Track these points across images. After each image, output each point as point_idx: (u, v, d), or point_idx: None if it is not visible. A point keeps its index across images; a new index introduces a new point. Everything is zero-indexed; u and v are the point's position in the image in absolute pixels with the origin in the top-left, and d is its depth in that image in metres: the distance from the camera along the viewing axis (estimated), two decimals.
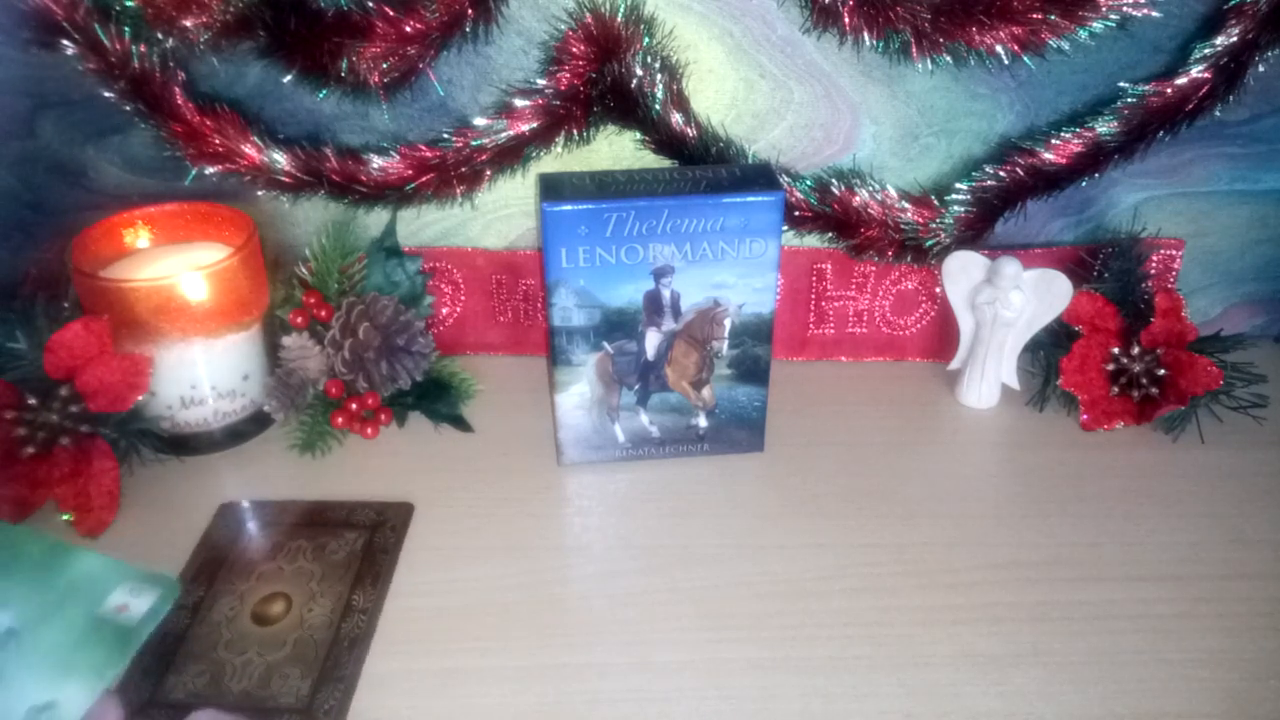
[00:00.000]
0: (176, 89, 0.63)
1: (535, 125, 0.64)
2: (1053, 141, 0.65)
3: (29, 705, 0.37)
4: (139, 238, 0.66)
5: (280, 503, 0.59)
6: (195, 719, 0.39)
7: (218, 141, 0.64)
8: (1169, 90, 0.63)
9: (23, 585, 0.41)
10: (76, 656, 0.39)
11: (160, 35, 0.61)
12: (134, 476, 0.61)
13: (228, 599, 0.52)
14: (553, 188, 0.56)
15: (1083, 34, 0.61)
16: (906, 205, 0.67)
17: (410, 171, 0.66)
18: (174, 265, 0.62)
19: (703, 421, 0.63)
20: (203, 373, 0.62)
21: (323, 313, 0.65)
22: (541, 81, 0.64)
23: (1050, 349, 0.69)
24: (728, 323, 0.60)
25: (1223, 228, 0.71)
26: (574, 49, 0.62)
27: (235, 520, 0.58)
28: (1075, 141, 0.64)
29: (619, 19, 0.61)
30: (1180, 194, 0.70)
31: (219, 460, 0.64)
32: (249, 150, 0.65)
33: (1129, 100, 0.63)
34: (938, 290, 0.71)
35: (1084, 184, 0.67)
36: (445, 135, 0.65)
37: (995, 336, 0.67)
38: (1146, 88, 0.63)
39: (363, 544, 0.56)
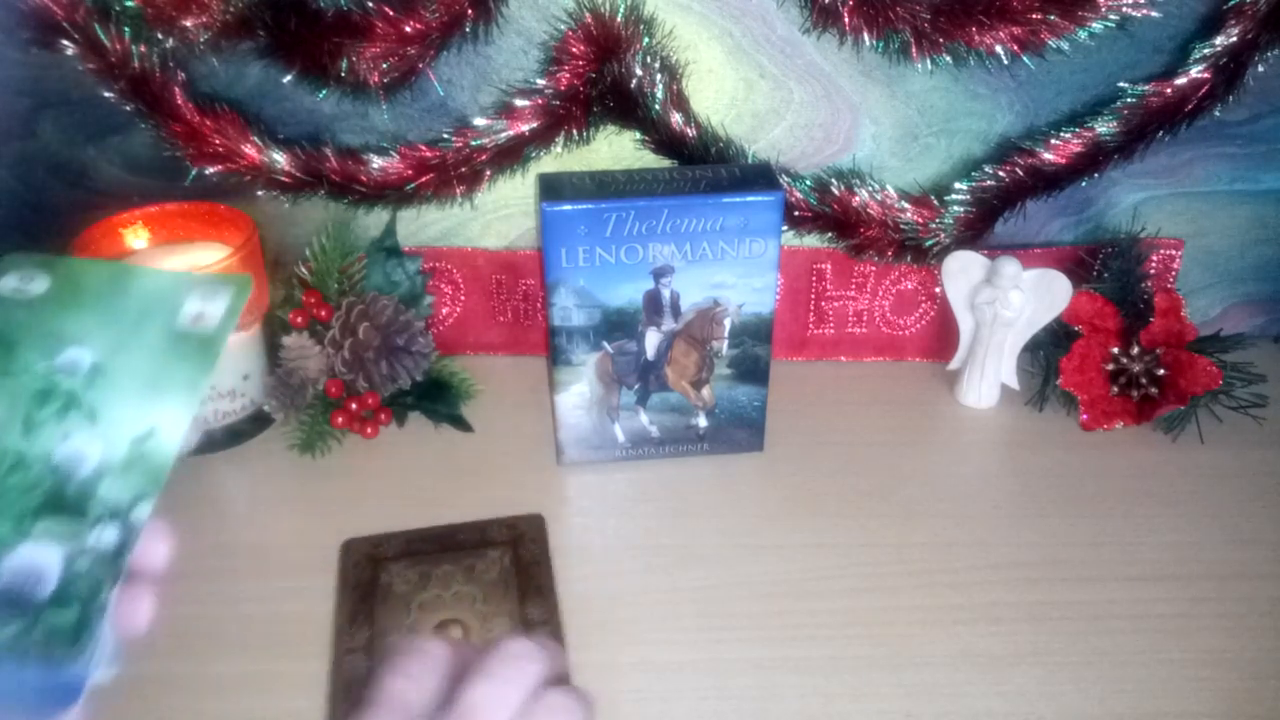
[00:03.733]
0: (176, 89, 0.63)
1: (535, 125, 0.64)
2: (1052, 141, 0.65)
3: (130, 438, 0.35)
4: (139, 238, 0.66)
5: (403, 533, 0.57)
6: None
7: (218, 141, 0.64)
8: (1169, 90, 0.63)
9: (95, 315, 0.37)
10: (163, 377, 0.36)
11: (160, 35, 0.61)
12: None
13: (397, 634, 0.51)
14: (553, 188, 0.56)
15: (1082, 34, 0.61)
16: (906, 205, 0.67)
17: (410, 171, 0.66)
18: (174, 265, 0.62)
19: (703, 421, 0.63)
20: None
21: (323, 313, 0.65)
22: (541, 81, 0.64)
23: (1050, 349, 0.68)
24: (728, 323, 0.60)
25: (1223, 228, 0.71)
26: (574, 49, 0.62)
27: (365, 556, 0.56)
28: (1075, 141, 0.64)
29: (619, 19, 0.61)
30: (1180, 194, 0.70)
31: (219, 460, 0.64)
32: (249, 150, 0.65)
33: (1129, 100, 0.63)
34: (937, 290, 0.71)
35: (1084, 184, 0.67)
36: (445, 135, 0.65)
37: (995, 336, 0.67)
38: (1146, 88, 0.63)
39: (510, 559, 0.55)
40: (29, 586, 0.32)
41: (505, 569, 0.55)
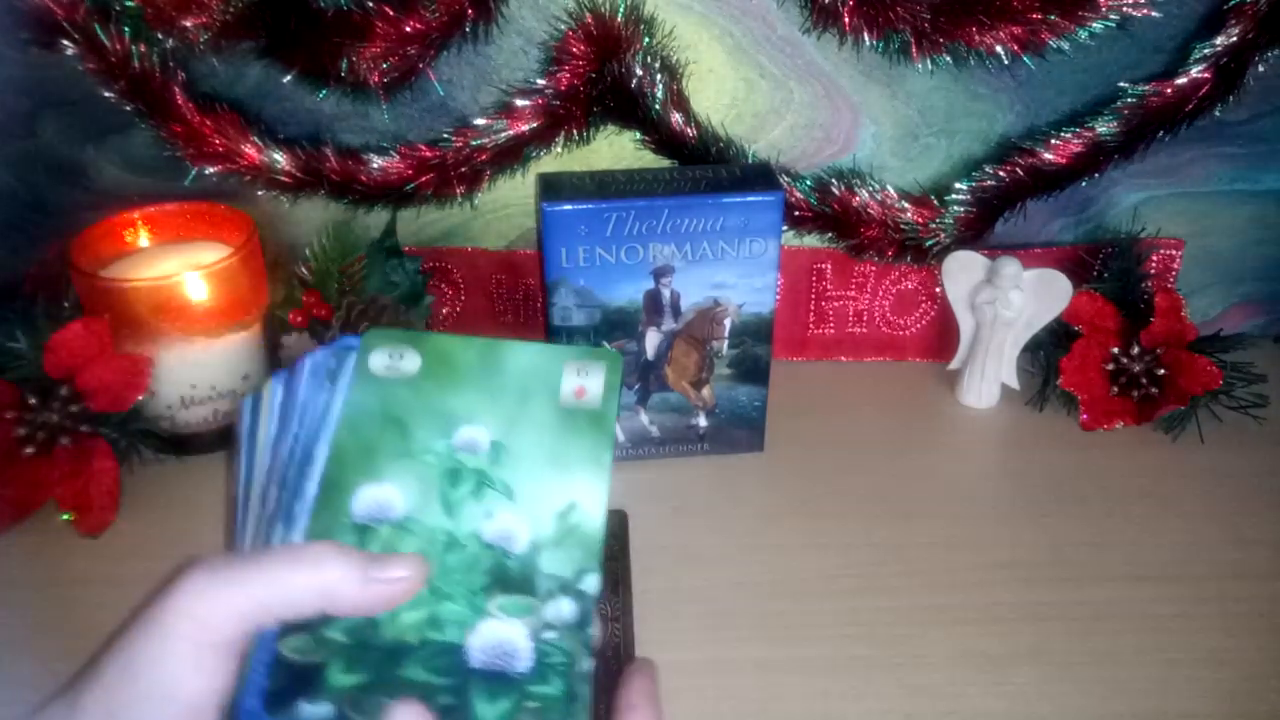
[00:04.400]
0: (176, 89, 0.63)
1: (535, 125, 0.64)
2: (1053, 141, 0.65)
3: (553, 513, 0.35)
4: (139, 238, 0.66)
5: None
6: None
7: (218, 141, 0.64)
8: (1169, 90, 0.63)
9: (477, 393, 0.37)
10: (564, 453, 0.36)
11: (160, 35, 0.61)
12: (134, 476, 0.61)
13: None
14: (553, 188, 0.56)
15: (1083, 34, 0.61)
16: (906, 205, 0.67)
17: (410, 171, 0.66)
18: (174, 265, 0.62)
19: (703, 421, 0.63)
20: (203, 373, 0.62)
21: (323, 313, 0.65)
22: (541, 81, 0.64)
23: (1050, 349, 0.68)
24: (728, 323, 0.60)
25: (1223, 228, 0.71)
26: (574, 49, 0.62)
27: None
28: (1075, 141, 0.64)
29: (619, 19, 0.61)
30: (1180, 194, 0.70)
31: (219, 460, 0.64)
32: (249, 150, 0.65)
33: (1129, 100, 0.63)
34: (938, 290, 0.71)
35: (1084, 184, 0.67)
36: (445, 135, 0.65)
37: (995, 336, 0.67)
38: (1146, 88, 0.63)
39: None
40: (505, 662, 0.32)
41: None
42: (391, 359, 0.37)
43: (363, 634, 0.32)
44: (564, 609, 0.33)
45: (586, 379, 0.38)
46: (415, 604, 0.33)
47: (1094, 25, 0.60)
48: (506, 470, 0.36)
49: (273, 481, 0.37)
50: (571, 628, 0.33)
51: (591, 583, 0.34)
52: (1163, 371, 0.65)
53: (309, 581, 0.30)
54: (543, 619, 0.33)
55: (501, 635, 0.32)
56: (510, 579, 0.34)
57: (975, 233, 0.67)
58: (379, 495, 0.35)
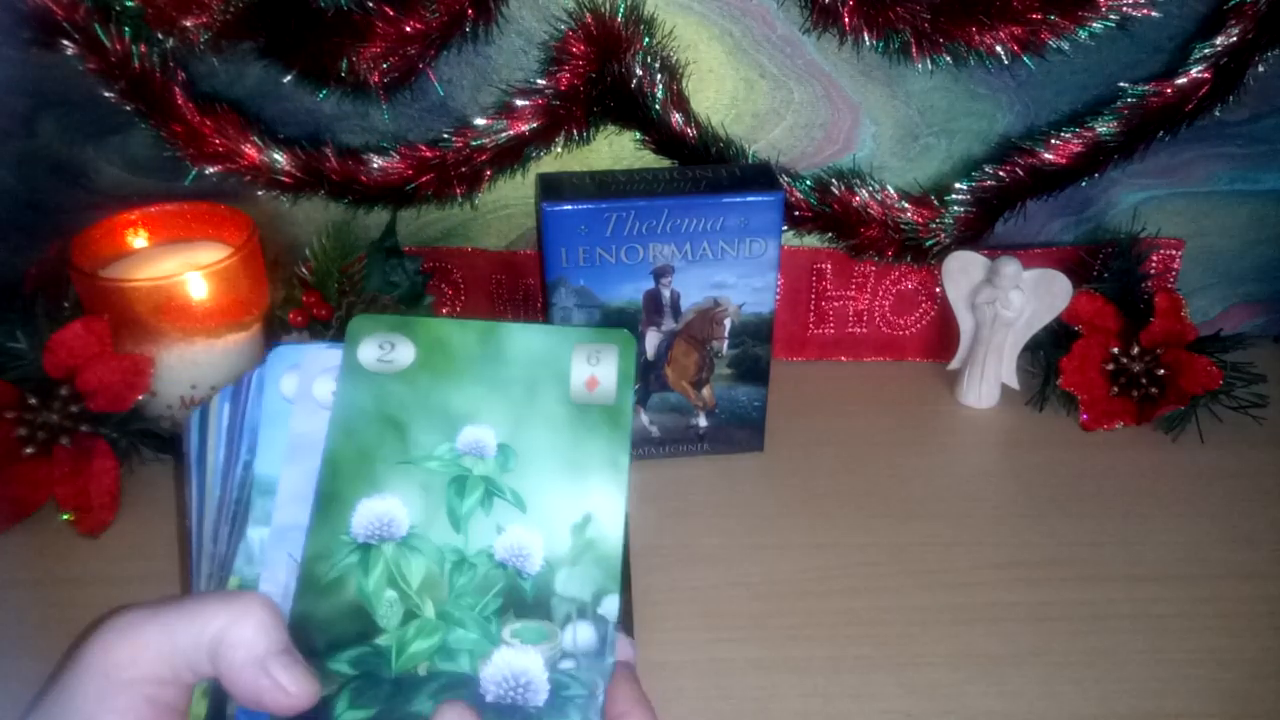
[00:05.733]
0: (176, 89, 0.63)
1: (535, 125, 0.64)
2: (1053, 141, 0.65)
3: (568, 525, 0.32)
4: (139, 238, 0.66)
5: None
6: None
7: (218, 141, 0.64)
8: (1169, 90, 0.63)
9: (478, 387, 0.33)
10: (578, 456, 0.33)
11: (160, 35, 0.61)
12: (134, 476, 0.61)
13: None
14: (553, 188, 0.56)
15: (1083, 34, 0.61)
16: (906, 205, 0.67)
17: (410, 172, 0.66)
18: (174, 265, 0.62)
19: (703, 421, 0.63)
20: (203, 373, 0.62)
21: (323, 313, 0.65)
22: (541, 81, 0.64)
23: (1050, 349, 0.68)
24: (728, 323, 0.60)
25: (1223, 228, 0.71)
26: (574, 49, 0.62)
27: None
28: (1075, 141, 0.64)
29: (619, 19, 0.61)
30: (1180, 194, 0.70)
31: None
32: (249, 150, 0.65)
33: (1129, 100, 0.63)
34: (938, 290, 0.71)
35: (1084, 184, 0.67)
36: (445, 135, 0.65)
37: (995, 336, 0.67)
38: (1146, 88, 0.63)
39: None
40: (520, 696, 0.30)
41: None
42: (383, 350, 0.34)
43: (370, 664, 0.30)
44: (582, 635, 0.31)
45: (598, 367, 0.34)
46: (425, 631, 0.31)
47: (1094, 25, 0.60)
48: (516, 477, 0.33)
49: (223, 518, 0.34)
50: (590, 656, 0.31)
51: (611, 606, 0.31)
52: (1163, 371, 0.65)
53: (215, 631, 0.28)
54: (560, 647, 0.31)
55: (517, 666, 0.30)
56: (525, 602, 0.31)
57: (975, 233, 0.67)
58: (380, 509, 0.32)
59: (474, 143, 0.65)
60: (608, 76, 0.62)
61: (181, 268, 0.60)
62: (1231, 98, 0.63)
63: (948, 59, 0.62)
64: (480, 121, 0.65)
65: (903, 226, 0.67)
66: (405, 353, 0.34)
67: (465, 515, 0.32)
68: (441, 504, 0.32)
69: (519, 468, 0.33)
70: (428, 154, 0.65)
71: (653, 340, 0.60)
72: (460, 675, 0.30)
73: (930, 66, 0.63)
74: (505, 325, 0.34)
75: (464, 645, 0.30)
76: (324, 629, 0.30)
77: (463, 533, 0.32)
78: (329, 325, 0.65)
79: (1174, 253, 0.71)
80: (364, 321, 0.34)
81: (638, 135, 0.66)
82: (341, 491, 0.32)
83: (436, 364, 0.34)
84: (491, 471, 0.33)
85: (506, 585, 0.31)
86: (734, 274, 0.58)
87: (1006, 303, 0.65)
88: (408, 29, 0.60)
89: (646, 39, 0.62)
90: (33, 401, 0.57)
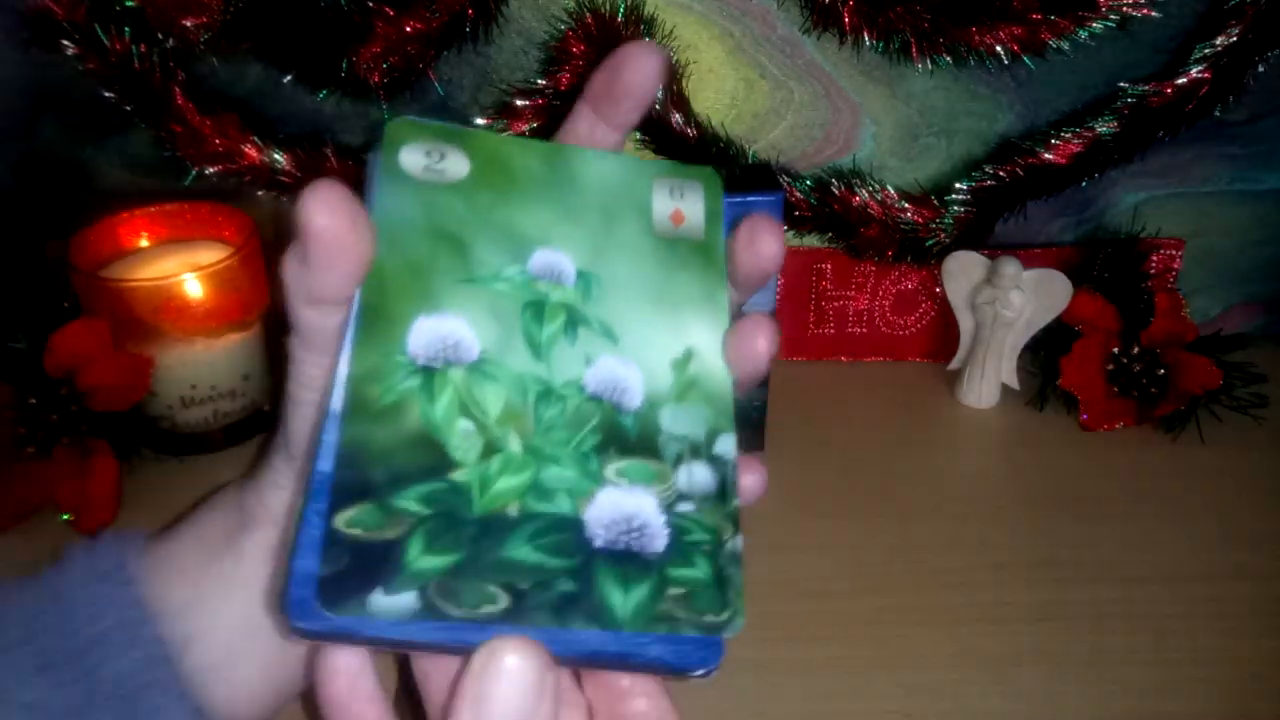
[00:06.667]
0: (176, 89, 0.63)
1: (535, 125, 0.64)
2: (1053, 141, 0.65)
3: (669, 361, 0.28)
4: (139, 238, 0.66)
5: None
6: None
7: (218, 141, 0.64)
8: (1169, 90, 0.63)
9: (548, 209, 0.29)
10: (670, 291, 0.29)
11: (160, 35, 0.61)
12: (134, 476, 0.61)
13: None
14: None
15: (1083, 34, 0.61)
16: (906, 205, 0.67)
17: None
18: (174, 265, 0.62)
19: None
20: (203, 373, 0.62)
21: None
22: (541, 81, 0.64)
23: (1050, 349, 0.68)
24: None
25: (1223, 228, 0.71)
26: (574, 49, 0.62)
27: None
28: (1075, 141, 0.64)
29: (619, 19, 0.61)
30: (1180, 194, 0.70)
31: (219, 460, 0.64)
32: (249, 150, 0.65)
33: (1129, 100, 0.63)
34: (938, 290, 0.71)
35: (1084, 184, 0.67)
36: None
37: (995, 336, 0.67)
38: (1146, 88, 0.63)
39: None
40: (635, 540, 0.26)
41: None
42: (430, 158, 0.29)
43: (446, 502, 0.25)
44: (699, 476, 0.27)
45: (683, 201, 0.30)
46: (511, 466, 0.26)
47: (1094, 25, 0.60)
48: (601, 308, 0.28)
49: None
50: (711, 498, 0.27)
51: (728, 446, 0.28)
52: (1163, 371, 0.65)
53: None
54: (675, 488, 0.27)
55: (627, 507, 0.26)
56: (627, 440, 0.27)
57: (975, 233, 0.67)
58: (444, 329, 0.27)
59: None
60: None
61: (181, 268, 0.60)
62: (1231, 98, 0.63)
63: (948, 59, 0.62)
64: (480, 121, 0.65)
65: (903, 226, 0.67)
66: (458, 164, 0.29)
67: (547, 342, 0.28)
68: (517, 329, 0.27)
69: (603, 298, 0.28)
70: None
71: None
72: (560, 517, 0.26)
73: (930, 66, 0.63)
74: (572, 148, 0.30)
75: (561, 484, 0.26)
76: (384, 460, 0.25)
77: (545, 361, 0.27)
78: None
79: (1174, 253, 0.71)
80: (405, 126, 0.29)
81: (637, 135, 0.66)
82: (391, 307, 0.27)
83: (495, 181, 0.29)
84: (572, 299, 0.28)
85: (604, 421, 0.27)
86: None
87: (1006, 303, 0.65)
88: (408, 29, 0.60)
89: (646, 39, 0.62)
90: (33, 401, 0.57)
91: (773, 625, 0.52)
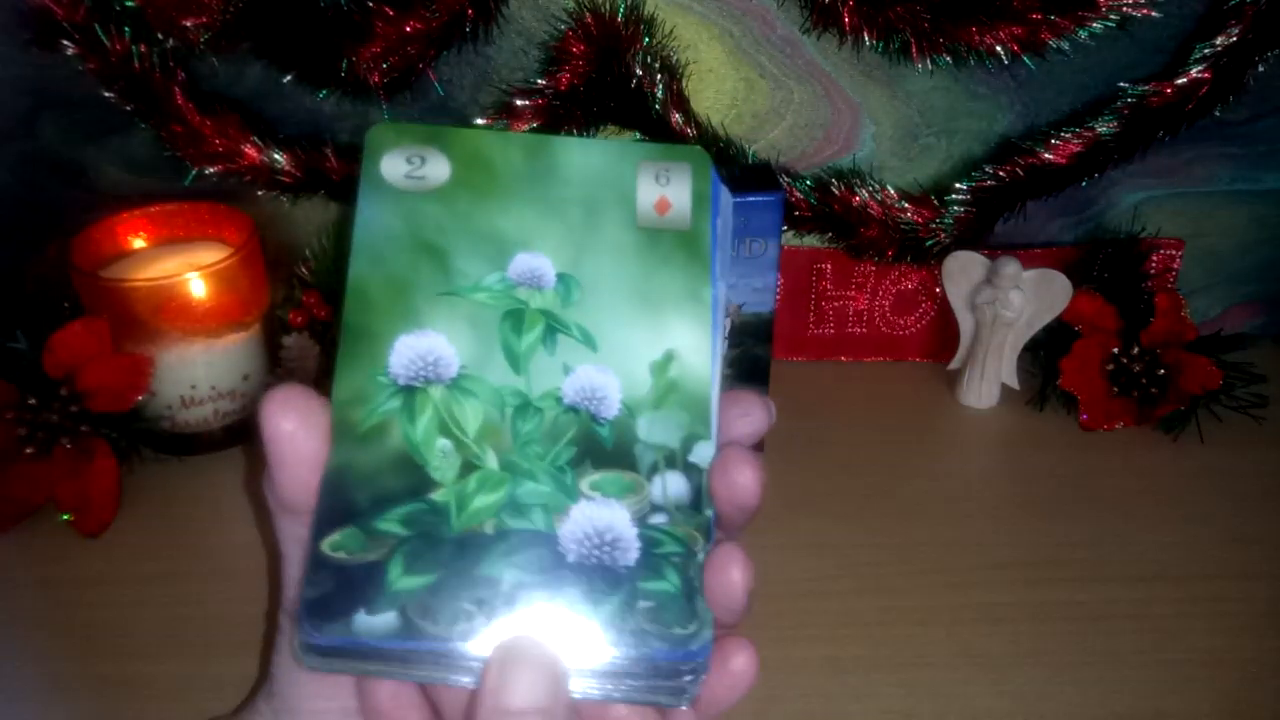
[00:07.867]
0: (176, 89, 0.63)
1: (535, 125, 0.64)
2: (1053, 141, 0.65)
3: (647, 364, 0.28)
4: (139, 238, 0.66)
5: None
6: None
7: (218, 141, 0.64)
8: (1169, 90, 0.63)
9: (528, 209, 0.29)
10: (652, 288, 0.28)
11: (160, 35, 0.61)
12: (134, 476, 0.61)
13: None
14: None
15: (1083, 34, 0.61)
16: (906, 205, 0.67)
17: None
18: (174, 265, 0.62)
19: None
20: (203, 373, 0.62)
21: (323, 313, 0.65)
22: (541, 81, 0.64)
23: (1050, 349, 0.68)
24: (728, 323, 0.60)
25: (1223, 228, 0.71)
26: (574, 49, 0.62)
27: None
28: (1075, 141, 0.64)
29: (619, 19, 0.61)
30: (1180, 194, 0.70)
31: (219, 460, 0.64)
32: (249, 150, 0.65)
33: (1129, 100, 0.63)
34: (938, 290, 0.71)
35: (1084, 184, 0.67)
36: None
37: (995, 336, 0.67)
38: (1146, 88, 0.63)
39: None
40: (606, 555, 0.26)
41: None
42: (411, 165, 0.29)
43: (425, 522, 0.26)
44: (673, 487, 0.27)
45: (668, 187, 0.29)
46: (488, 484, 0.26)
47: (1094, 25, 0.60)
48: (581, 311, 0.28)
49: None
50: (685, 509, 0.27)
51: (704, 453, 0.28)
52: (1163, 371, 0.65)
53: None
54: (649, 500, 0.27)
55: (600, 521, 0.27)
56: (602, 451, 0.27)
57: (975, 233, 0.67)
58: (424, 347, 0.27)
59: None
60: (608, 76, 0.62)
61: (181, 268, 0.60)
62: (1231, 98, 0.63)
63: (948, 59, 0.62)
64: (480, 121, 0.65)
65: (903, 226, 0.67)
66: (439, 168, 0.29)
67: (525, 353, 0.28)
68: (495, 341, 0.28)
69: (583, 301, 0.28)
70: None
71: None
72: (535, 533, 0.26)
73: (930, 66, 0.63)
74: (554, 138, 0.30)
75: (536, 499, 0.27)
76: (366, 484, 0.26)
77: (523, 373, 0.28)
78: (329, 325, 0.65)
79: (1174, 253, 0.71)
80: (386, 131, 0.29)
81: (638, 135, 0.66)
82: (373, 326, 0.27)
83: (477, 182, 0.29)
84: (551, 305, 0.28)
85: (580, 432, 0.27)
86: (734, 274, 0.58)
87: (1006, 303, 0.65)
88: (408, 29, 0.60)
89: (646, 39, 0.62)
90: (33, 401, 0.57)
91: (772, 625, 0.52)
